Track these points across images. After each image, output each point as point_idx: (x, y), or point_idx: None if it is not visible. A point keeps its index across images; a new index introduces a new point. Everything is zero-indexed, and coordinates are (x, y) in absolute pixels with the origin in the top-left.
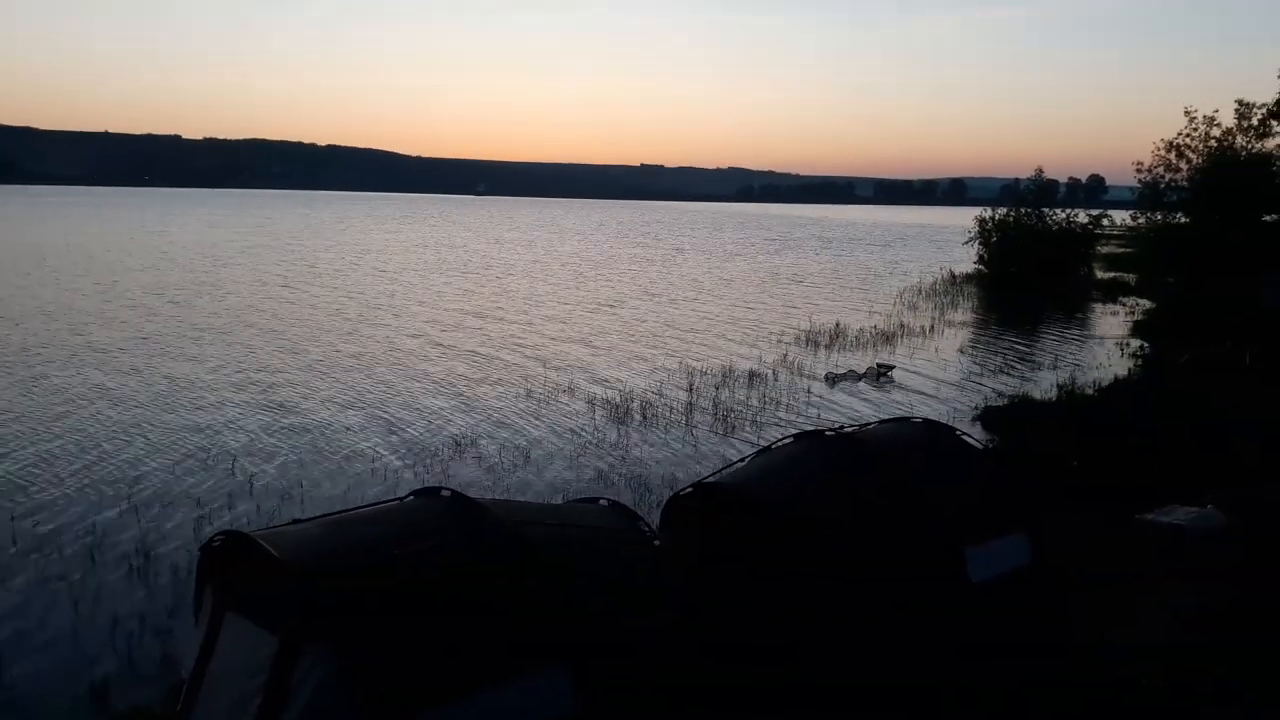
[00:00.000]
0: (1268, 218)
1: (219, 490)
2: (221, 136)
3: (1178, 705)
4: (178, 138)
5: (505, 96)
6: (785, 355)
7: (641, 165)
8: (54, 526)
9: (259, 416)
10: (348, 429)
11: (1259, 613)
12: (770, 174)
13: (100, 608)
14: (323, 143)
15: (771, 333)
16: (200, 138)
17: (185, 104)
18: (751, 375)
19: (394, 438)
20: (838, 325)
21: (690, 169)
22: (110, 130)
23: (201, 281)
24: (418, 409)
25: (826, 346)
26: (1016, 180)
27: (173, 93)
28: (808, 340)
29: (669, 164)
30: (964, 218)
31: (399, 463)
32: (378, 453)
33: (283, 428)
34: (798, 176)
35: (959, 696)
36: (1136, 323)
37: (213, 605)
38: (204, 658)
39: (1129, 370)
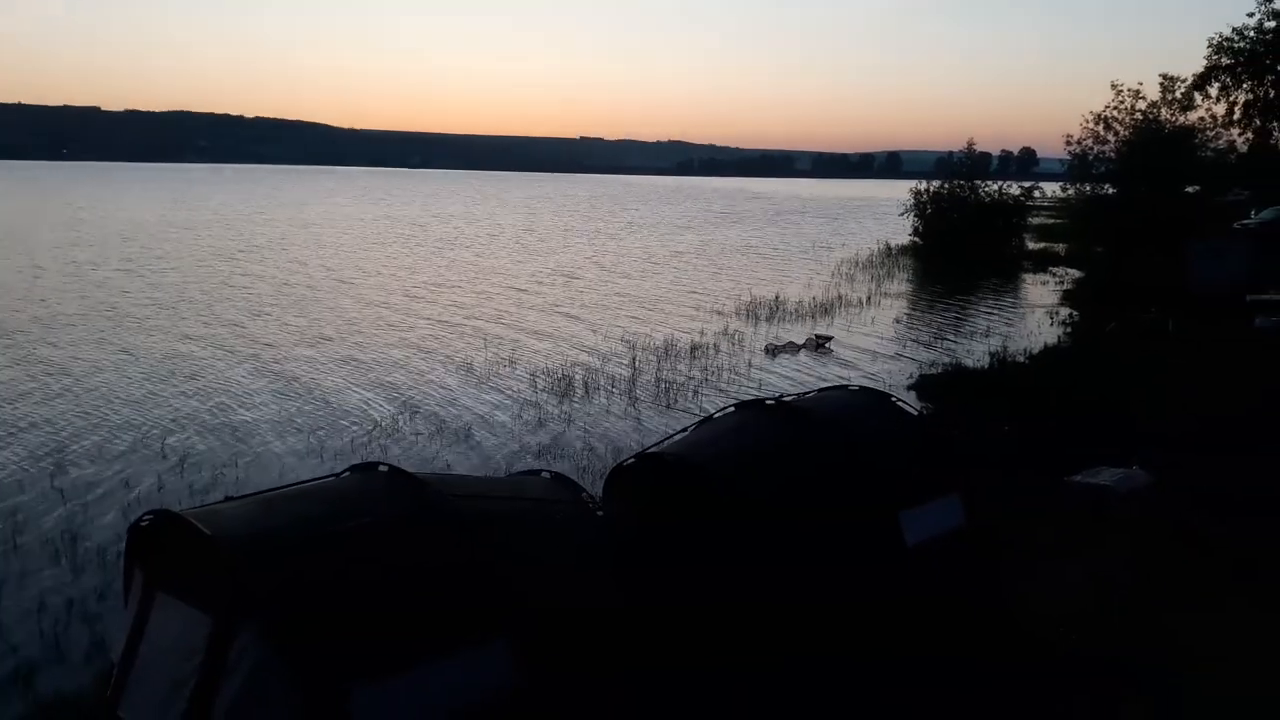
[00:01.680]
0: (1190, 189)
1: (149, 470)
2: (144, 109)
3: (1102, 663)
4: (97, 110)
5: (440, 68)
6: (727, 327)
7: (580, 138)
8: None
9: (191, 394)
10: (283, 406)
11: (1182, 571)
12: (710, 147)
13: (24, 593)
14: (250, 115)
15: (714, 305)
16: (122, 110)
17: (105, 74)
18: (694, 347)
19: (331, 413)
20: (778, 297)
21: (629, 142)
22: (24, 102)
23: (135, 258)
24: (355, 384)
25: (767, 318)
26: (950, 153)
27: (92, 62)
28: (749, 313)
29: (608, 137)
30: (901, 190)
31: (336, 439)
32: (314, 429)
33: (215, 405)
34: (737, 150)
35: (893, 661)
36: (1065, 292)
37: (143, 586)
38: (134, 641)
39: (1058, 338)
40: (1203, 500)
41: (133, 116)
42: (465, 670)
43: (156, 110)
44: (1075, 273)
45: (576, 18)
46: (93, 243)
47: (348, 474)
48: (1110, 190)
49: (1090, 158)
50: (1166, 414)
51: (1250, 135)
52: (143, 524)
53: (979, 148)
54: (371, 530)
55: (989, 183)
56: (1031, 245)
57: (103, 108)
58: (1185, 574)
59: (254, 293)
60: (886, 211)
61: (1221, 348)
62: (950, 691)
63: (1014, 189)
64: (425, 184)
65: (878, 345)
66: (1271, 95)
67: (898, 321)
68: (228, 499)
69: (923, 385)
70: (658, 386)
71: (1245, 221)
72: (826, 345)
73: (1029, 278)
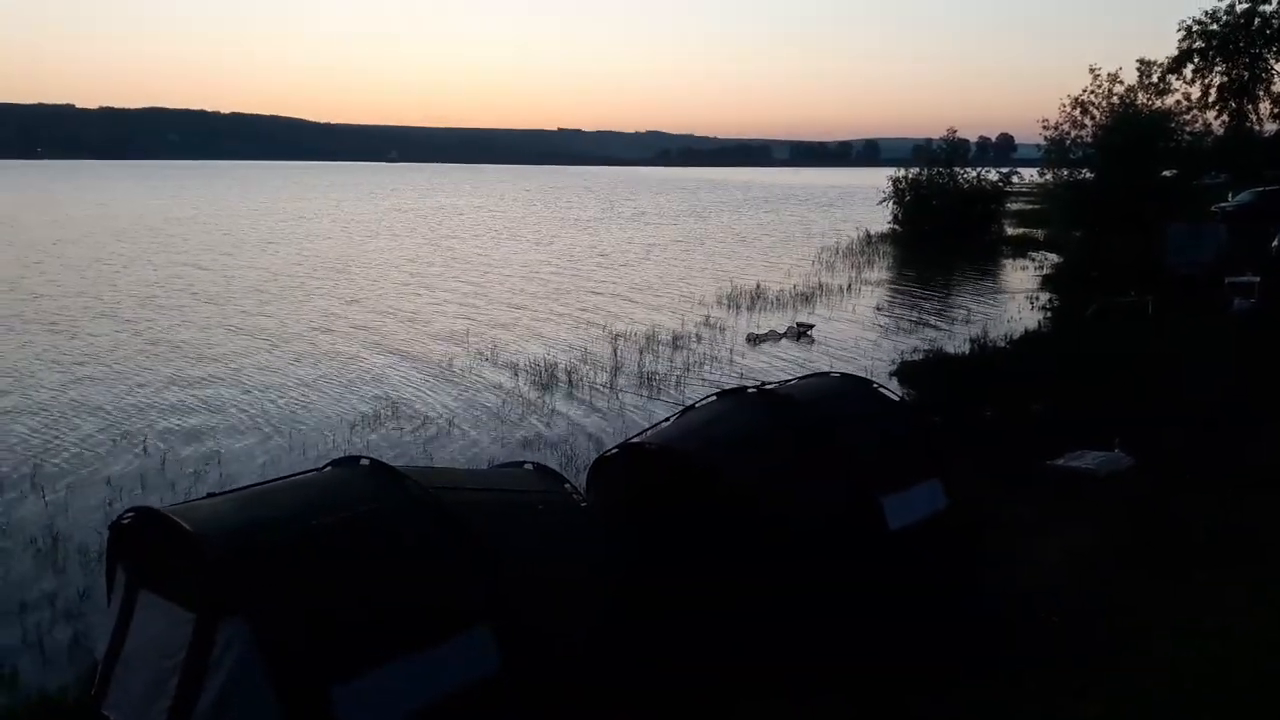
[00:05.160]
0: (1166, 173)
1: (130, 468)
2: (117, 105)
3: (1085, 641)
4: (71, 107)
5: (416, 61)
6: (708, 317)
7: (559, 129)
8: None
9: (171, 391)
10: (264, 402)
11: (1165, 550)
12: (688, 137)
13: (6, 593)
14: (225, 110)
15: (698, 294)
16: (95, 107)
17: (78, 72)
18: (676, 337)
19: (312, 409)
20: (758, 286)
21: (608, 133)
22: None
23: (116, 254)
24: (336, 379)
25: (748, 307)
26: (929, 140)
27: (64, 60)
28: (730, 302)
29: (587, 128)
30: (880, 178)
31: (317, 434)
32: (295, 425)
33: (196, 402)
34: (715, 140)
35: (876, 641)
36: (1045, 277)
37: (125, 584)
38: (118, 639)
39: (1039, 322)
40: (1184, 482)
41: (105, 114)
42: (450, 659)
43: (130, 107)
44: (1054, 257)
45: (553, 8)
46: (87, 240)
47: (329, 468)
48: (1087, 175)
49: (1067, 142)
50: (1148, 396)
51: (1225, 118)
52: (125, 521)
53: (958, 134)
54: (354, 524)
55: (967, 169)
56: (1011, 231)
57: (76, 105)
58: (1162, 554)
59: (233, 290)
60: (873, 199)
61: (1201, 329)
62: (918, 674)
63: (992, 175)
64: (407, 177)
65: (859, 332)
66: (1245, 77)
67: (878, 309)
68: (210, 495)
69: (904, 371)
70: (640, 377)
71: (1223, 204)
72: (808, 333)
73: (1008, 263)
